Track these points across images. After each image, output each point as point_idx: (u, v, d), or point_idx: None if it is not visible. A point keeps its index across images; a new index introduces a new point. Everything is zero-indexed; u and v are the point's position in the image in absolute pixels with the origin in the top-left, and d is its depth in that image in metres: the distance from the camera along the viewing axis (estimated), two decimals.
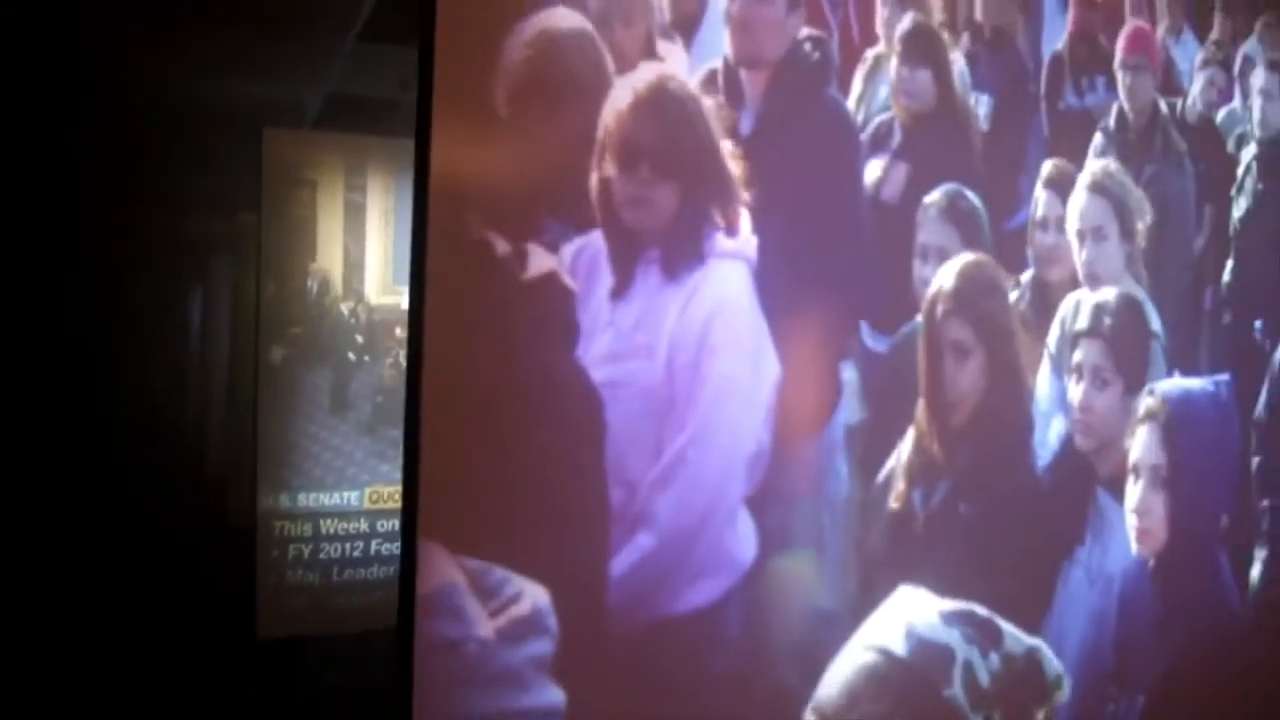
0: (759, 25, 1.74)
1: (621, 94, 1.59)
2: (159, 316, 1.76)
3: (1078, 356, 2.08)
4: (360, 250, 2.65)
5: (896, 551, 1.87)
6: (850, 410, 1.82)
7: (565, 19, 1.58)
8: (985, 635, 1.77)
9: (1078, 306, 2.11)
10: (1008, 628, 1.80)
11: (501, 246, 1.43)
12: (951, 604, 1.80)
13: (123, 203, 1.74)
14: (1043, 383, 2.07)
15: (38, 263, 1.65)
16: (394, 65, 2.55)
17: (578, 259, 1.57)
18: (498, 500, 1.49)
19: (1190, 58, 2.30)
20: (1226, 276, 2.36)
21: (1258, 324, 2.40)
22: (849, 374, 1.81)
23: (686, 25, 1.73)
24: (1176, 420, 2.17)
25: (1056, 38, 2.12)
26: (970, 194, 1.94)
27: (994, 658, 1.76)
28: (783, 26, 1.77)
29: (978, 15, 2.00)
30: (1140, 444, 2.16)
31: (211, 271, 1.88)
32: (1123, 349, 2.10)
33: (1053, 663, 1.83)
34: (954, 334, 1.90)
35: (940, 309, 1.89)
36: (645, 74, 1.62)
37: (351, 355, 2.60)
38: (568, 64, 1.59)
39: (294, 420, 2.05)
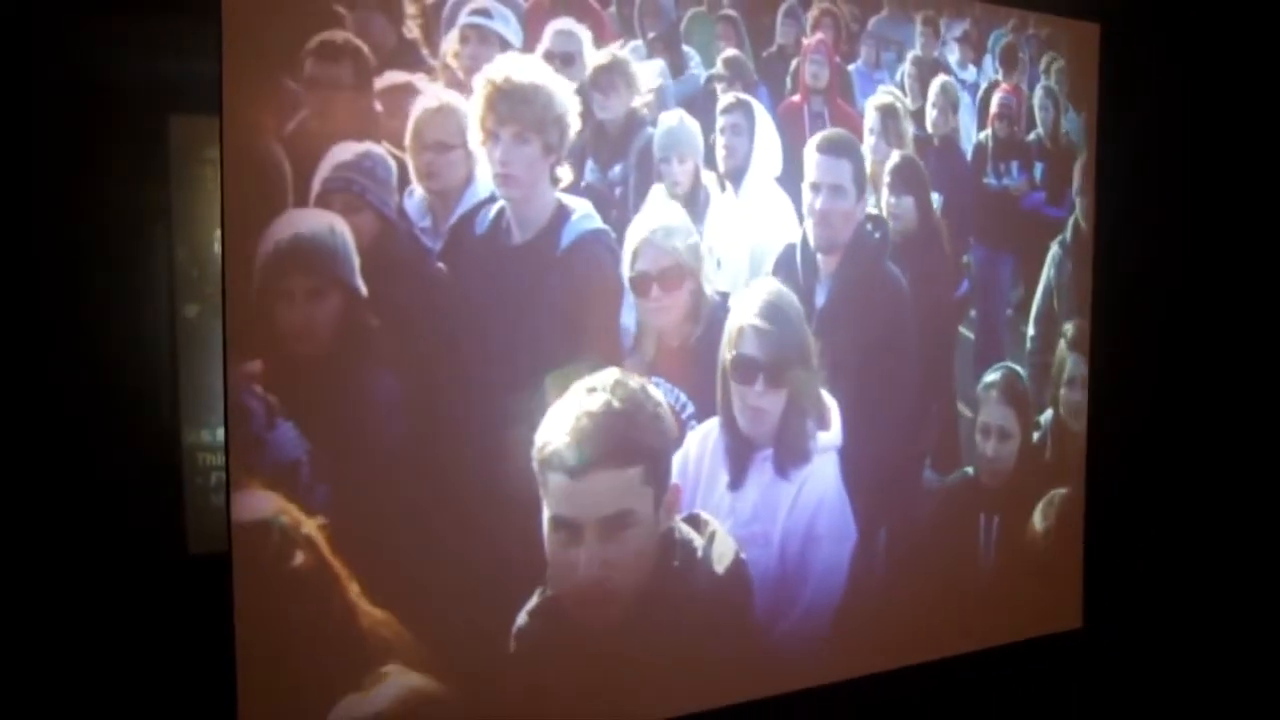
0: (836, 217, 1.92)
1: (740, 314, 1.76)
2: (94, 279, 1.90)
3: None
4: None
5: None
6: None
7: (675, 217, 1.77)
8: None
9: None
10: None
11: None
12: None
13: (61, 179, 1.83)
14: None
15: None
16: None
17: (700, 452, 1.77)
18: None
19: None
20: None
21: None
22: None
23: (734, 176, 1.91)
24: None
25: (977, 132, 2.32)
26: (1024, 374, 2.25)
27: None
28: (853, 214, 1.95)
29: (929, 128, 2.19)
30: None
31: (141, 240, 2.01)
32: None
33: None
34: None
35: None
36: (758, 292, 1.79)
37: None
38: (679, 258, 1.76)
39: (210, 365, 2.20)
